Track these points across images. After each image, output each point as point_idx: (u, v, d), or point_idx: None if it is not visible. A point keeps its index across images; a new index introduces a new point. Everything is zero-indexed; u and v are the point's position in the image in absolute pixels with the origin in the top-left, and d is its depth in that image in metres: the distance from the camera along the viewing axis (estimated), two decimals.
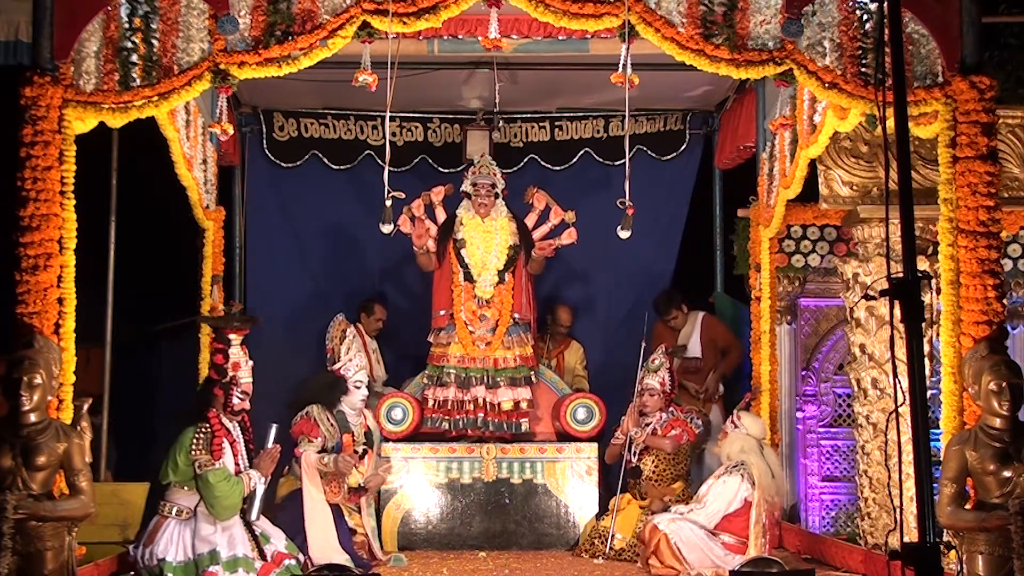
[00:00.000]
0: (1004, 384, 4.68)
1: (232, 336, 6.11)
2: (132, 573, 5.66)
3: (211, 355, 6.10)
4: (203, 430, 5.67)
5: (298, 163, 9.01)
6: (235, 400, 5.92)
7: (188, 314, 7.77)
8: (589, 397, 7.45)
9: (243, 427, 6.02)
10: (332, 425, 6.71)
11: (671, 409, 7.05)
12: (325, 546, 6.28)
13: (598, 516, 7.01)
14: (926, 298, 6.06)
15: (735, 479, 6.29)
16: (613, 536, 6.70)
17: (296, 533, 6.14)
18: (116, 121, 5.36)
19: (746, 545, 6.14)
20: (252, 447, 6.08)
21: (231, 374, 5.94)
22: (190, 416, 5.79)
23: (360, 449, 6.85)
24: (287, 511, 6.39)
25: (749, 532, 6.16)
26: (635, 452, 6.98)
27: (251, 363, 6.10)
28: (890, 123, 2.94)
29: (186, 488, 5.66)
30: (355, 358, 6.98)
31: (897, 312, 2.80)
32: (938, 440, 5.25)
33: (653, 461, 6.95)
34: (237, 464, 5.82)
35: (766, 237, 7.60)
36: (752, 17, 5.40)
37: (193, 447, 5.62)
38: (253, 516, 5.78)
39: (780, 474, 6.45)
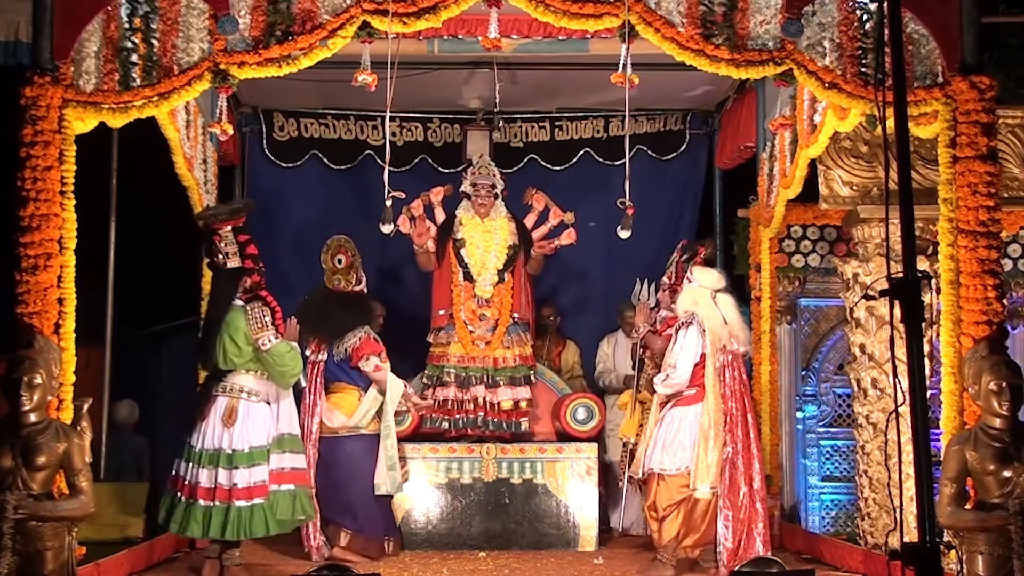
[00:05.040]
0: (1004, 384, 4.68)
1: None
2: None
3: (242, 247, 6.00)
4: (258, 309, 5.86)
5: (298, 163, 9.01)
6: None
7: (188, 314, 7.77)
8: (589, 397, 7.44)
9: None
10: None
11: (673, 304, 6.70)
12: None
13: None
14: (926, 298, 6.06)
15: (693, 330, 6.15)
16: (628, 445, 7.00)
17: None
18: (116, 121, 5.36)
19: (703, 391, 6.04)
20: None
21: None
22: (222, 304, 5.92)
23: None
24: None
25: (706, 381, 6.06)
26: (643, 347, 6.95)
27: None
28: (890, 123, 2.93)
29: (250, 371, 5.89)
30: None
31: (897, 312, 2.80)
32: (938, 440, 5.26)
33: (651, 356, 6.88)
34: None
35: (766, 237, 7.60)
36: (752, 17, 5.40)
37: (251, 325, 5.82)
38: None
39: (736, 319, 6.24)
